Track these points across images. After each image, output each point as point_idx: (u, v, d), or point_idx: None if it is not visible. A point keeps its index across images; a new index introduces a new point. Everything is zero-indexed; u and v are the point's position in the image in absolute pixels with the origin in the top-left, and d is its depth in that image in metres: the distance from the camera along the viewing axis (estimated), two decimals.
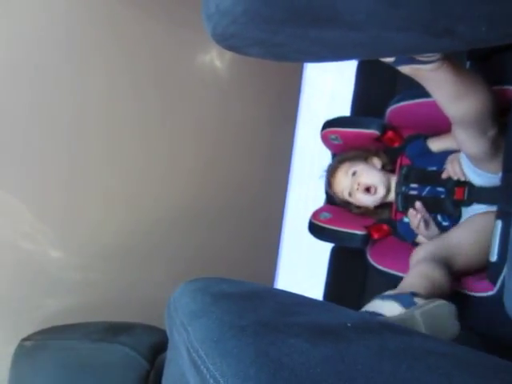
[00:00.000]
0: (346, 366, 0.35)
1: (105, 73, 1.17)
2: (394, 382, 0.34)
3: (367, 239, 1.26)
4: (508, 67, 1.04)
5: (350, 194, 1.25)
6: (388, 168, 1.27)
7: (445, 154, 1.14)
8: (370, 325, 0.43)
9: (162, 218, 1.33)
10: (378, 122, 1.23)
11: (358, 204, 1.27)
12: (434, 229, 1.13)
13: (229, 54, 1.36)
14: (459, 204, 1.11)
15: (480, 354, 0.41)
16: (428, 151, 1.19)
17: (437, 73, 0.79)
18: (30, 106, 1.06)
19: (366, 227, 1.26)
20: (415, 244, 1.21)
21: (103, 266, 1.22)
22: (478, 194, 1.07)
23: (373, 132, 1.22)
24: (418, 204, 1.12)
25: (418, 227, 1.11)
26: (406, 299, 0.76)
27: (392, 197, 1.22)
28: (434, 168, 1.17)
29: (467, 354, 0.41)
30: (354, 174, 1.23)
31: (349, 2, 0.41)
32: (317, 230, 1.34)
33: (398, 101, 1.18)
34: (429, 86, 0.85)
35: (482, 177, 1.05)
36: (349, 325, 0.42)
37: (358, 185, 1.20)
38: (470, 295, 0.99)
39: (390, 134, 1.23)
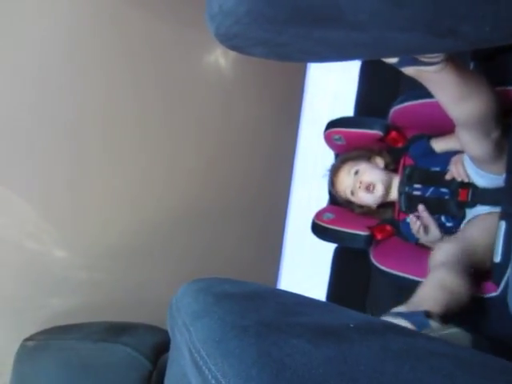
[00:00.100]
0: (349, 367, 0.35)
1: (109, 73, 1.17)
2: (396, 383, 0.34)
3: (370, 240, 1.25)
4: None
5: (352, 193, 1.25)
6: (391, 168, 1.27)
7: (448, 155, 1.14)
8: (372, 326, 0.43)
9: (166, 218, 1.33)
10: (382, 123, 1.23)
11: (360, 203, 1.27)
12: (434, 233, 1.13)
13: (233, 54, 1.36)
14: (463, 205, 1.10)
15: (484, 356, 0.41)
16: (431, 152, 1.18)
17: (440, 74, 0.78)
18: (34, 107, 1.06)
19: (370, 228, 1.26)
20: (419, 244, 1.21)
21: (107, 266, 1.22)
22: (481, 196, 1.07)
23: (376, 132, 1.22)
24: (420, 207, 1.13)
25: (417, 232, 1.12)
26: (419, 320, 0.71)
27: (395, 196, 1.22)
28: (438, 168, 1.16)
29: (471, 356, 0.41)
30: (356, 172, 1.23)
31: (352, 1, 0.40)
32: (320, 230, 1.34)
33: (402, 101, 1.18)
34: (432, 88, 0.85)
35: (485, 178, 1.04)
36: (351, 325, 0.42)
37: (360, 183, 1.20)
38: (473, 296, 0.98)
39: (393, 134, 1.23)
